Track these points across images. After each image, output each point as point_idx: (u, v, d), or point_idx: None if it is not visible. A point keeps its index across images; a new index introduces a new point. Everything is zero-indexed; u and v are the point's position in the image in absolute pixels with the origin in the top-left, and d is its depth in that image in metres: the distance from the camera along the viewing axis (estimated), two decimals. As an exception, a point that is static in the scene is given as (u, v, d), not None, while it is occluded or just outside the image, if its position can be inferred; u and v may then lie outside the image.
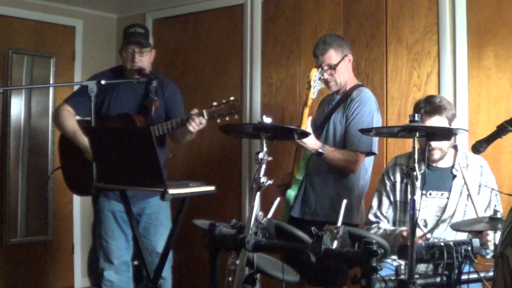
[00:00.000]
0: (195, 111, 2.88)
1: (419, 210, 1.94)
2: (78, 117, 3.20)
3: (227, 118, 2.86)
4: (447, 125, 2.44)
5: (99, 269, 3.15)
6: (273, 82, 4.08)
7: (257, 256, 2.07)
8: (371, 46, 3.59)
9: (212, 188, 2.59)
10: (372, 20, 3.59)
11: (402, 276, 1.91)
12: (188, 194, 2.52)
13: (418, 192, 1.93)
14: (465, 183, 2.43)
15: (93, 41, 4.87)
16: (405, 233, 2.32)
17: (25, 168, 4.51)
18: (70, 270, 4.74)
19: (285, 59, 4.01)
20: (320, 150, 2.75)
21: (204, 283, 2.30)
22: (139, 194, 3.03)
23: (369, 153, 2.85)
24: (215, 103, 2.88)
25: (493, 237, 2.22)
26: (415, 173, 1.91)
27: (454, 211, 2.46)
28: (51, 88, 4.61)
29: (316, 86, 2.74)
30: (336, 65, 2.87)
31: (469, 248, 1.98)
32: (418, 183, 1.92)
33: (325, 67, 2.87)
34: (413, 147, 1.97)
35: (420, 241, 2.22)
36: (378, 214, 2.62)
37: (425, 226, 2.43)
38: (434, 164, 2.55)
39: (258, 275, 2.09)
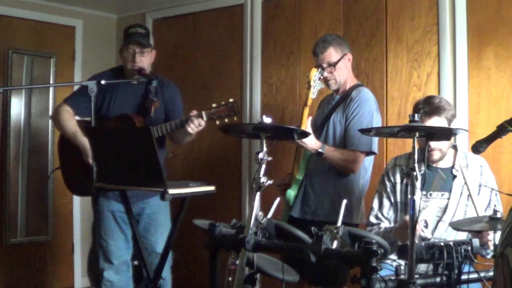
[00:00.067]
0: (194, 112, 2.88)
1: (419, 210, 1.93)
2: (77, 117, 3.20)
3: (226, 120, 2.85)
4: (446, 126, 2.44)
5: (99, 269, 3.15)
6: (273, 82, 4.08)
7: (257, 256, 2.07)
8: (371, 46, 3.59)
9: (212, 188, 2.59)
10: (372, 20, 3.59)
11: (402, 276, 1.91)
12: (188, 194, 2.52)
13: (418, 192, 1.93)
14: (465, 183, 2.42)
15: (93, 41, 4.87)
16: (408, 220, 2.30)
17: (25, 168, 4.51)
18: (70, 270, 4.74)
19: (285, 59, 4.01)
20: (320, 150, 2.76)
21: (204, 283, 2.30)
22: (138, 194, 3.03)
23: (369, 152, 2.85)
24: (214, 105, 2.87)
25: (493, 237, 2.22)
26: (415, 173, 1.91)
27: (455, 212, 2.46)
28: (51, 88, 4.61)
29: (316, 86, 2.74)
30: (336, 63, 2.88)
31: (469, 248, 1.98)
32: (418, 183, 1.92)
33: (325, 65, 2.87)
34: (413, 147, 1.97)
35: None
36: (379, 215, 2.62)
37: (426, 226, 2.43)
38: (434, 165, 2.55)
39: (258, 275, 2.09)
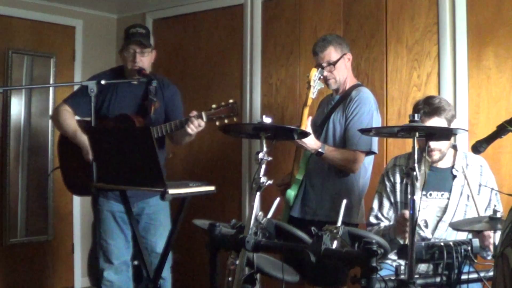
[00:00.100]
0: (194, 113, 2.88)
1: (419, 210, 1.93)
2: (77, 117, 3.20)
3: (226, 121, 2.85)
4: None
5: (99, 269, 3.15)
6: (273, 82, 4.08)
7: (257, 256, 2.07)
8: (371, 46, 3.59)
9: (212, 188, 2.59)
10: (372, 20, 3.59)
11: (402, 276, 1.91)
12: (188, 194, 2.52)
13: (418, 192, 1.93)
14: (468, 183, 2.42)
15: (93, 41, 4.87)
16: (406, 213, 2.30)
17: (25, 168, 4.51)
18: (70, 270, 4.74)
19: (285, 59, 4.01)
20: (320, 150, 2.76)
21: (204, 283, 2.30)
22: (138, 194, 3.03)
23: (369, 152, 2.85)
24: (214, 106, 2.87)
25: (493, 237, 2.22)
26: (415, 173, 1.91)
27: (455, 212, 2.46)
28: (51, 88, 4.61)
29: (316, 86, 2.74)
30: (336, 62, 2.88)
31: (469, 248, 1.98)
32: (418, 183, 1.92)
33: (324, 64, 2.88)
34: (413, 147, 1.97)
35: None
36: (379, 215, 2.62)
37: (426, 226, 2.43)
38: (433, 165, 2.55)
39: (258, 275, 2.09)
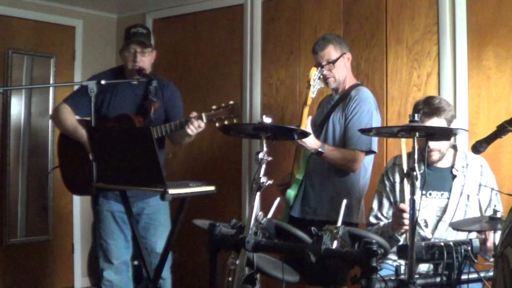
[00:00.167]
0: (194, 114, 2.87)
1: (419, 210, 1.93)
2: (77, 117, 3.20)
3: (226, 122, 2.84)
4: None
5: (99, 269, 3.15)
6: (273, 82, 4.08)
7: (257, 256, 2.07)
8: (371, 46, 3.59)
9: (212, 188, 2.59)
10: (372, 20, 3.59)
11: (402, 276, 1.91)
12: (188, 194, 2.52)
13: (418, 192, 1.93)
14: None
15: (93, 41, 4.87)
16: (402, 205, 2.31)
17: (25, 168, 4.51)
18: (70, 270, 4.74)
19: (285, 59, 4.01)
20: (319, 150, 2.76)
21: (204, 283, 2.30)
22: (138, 194, 3.03)
23: (369, 151, 2.85)
24: (214, 107, 2.87)
25: (493, 237, 2.22)
26: (415, 173, 1.91)
27: (455, 211, 2.46)
28: (51, 88, 4.62)
29: (315, 85, 2.74)
30: (335, 61, 2.89)
31: (469, 248, 1.98)
32: (418, 183, 1.92)
33: (324, 63, 2.88)
34: (413, 147, 1.97)
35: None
36: (379, 215, 2.62)
37: (426, 226, 2.43)
38: (433, 164, 2.55)
39: (258, 275, 2.09)
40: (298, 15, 3.95)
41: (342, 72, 2.93)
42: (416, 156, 1.93)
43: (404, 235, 2.36)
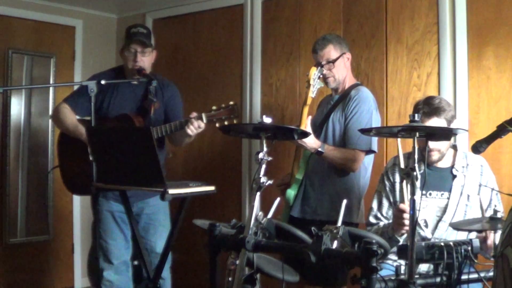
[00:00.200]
0: (194, 114, 2.87)
1: (419, 210, 1.93)
2: (77, 117, 3.20)
3: (226, 123, 2.84)
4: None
5: (99, 269, 3.15)
6: (273, 82, 4.08)
7: (257, 256, 2.07)
8: (371, 46, 3.59)
9: (212, 188, 2.59)
10: (372, 20, 3.59)
11: (402, 276, 1.91)
12: (188, 194, 2.52)
13: (418, 192, 1.93)
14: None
15: (93, 41, 4.87)
16: (401, 206, 2.31)
17: (25, 168, 4.51)
18: (70, 270, 4.74)
19: (285, 59, 4.01)
20: (319, 149, 2.76)
21: (204, 283, 2.30)
22: (138, 194, 3.03)
23: (369, 151, 2.85)
24: (214, 107, 2.87)
25: (493, 237, 2.22)
26: (415, 173, 1.91)
27: (455, 211, 2.46)
28: (51, 88, 4.62)
29: (315, 85, 2.74)
30: (335, 60, 2.89)
31: (469, 248, 1.98)
32: (418, 183, 1.91)
33: (324, 62, 2.88)
34: (413, 147, 1.96)
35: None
36: (379, 215, 2.62)
37: (426, 226, 2.43)
38: (433, 164, 2.55)
39: (258, 275, 2.09)
40: (298, 15, 3.96)
41: (342, 72, 2.93)
42: (416, 156, 1.93)
43: (404, 236, 2.36)
